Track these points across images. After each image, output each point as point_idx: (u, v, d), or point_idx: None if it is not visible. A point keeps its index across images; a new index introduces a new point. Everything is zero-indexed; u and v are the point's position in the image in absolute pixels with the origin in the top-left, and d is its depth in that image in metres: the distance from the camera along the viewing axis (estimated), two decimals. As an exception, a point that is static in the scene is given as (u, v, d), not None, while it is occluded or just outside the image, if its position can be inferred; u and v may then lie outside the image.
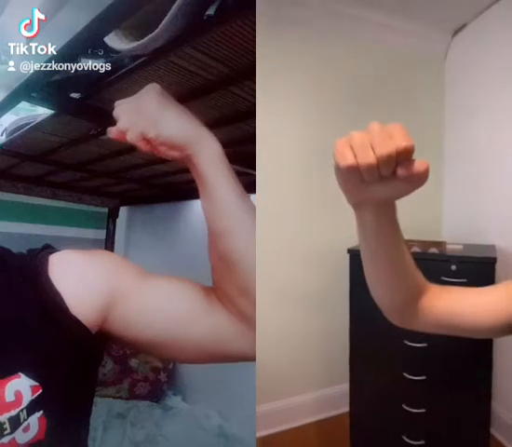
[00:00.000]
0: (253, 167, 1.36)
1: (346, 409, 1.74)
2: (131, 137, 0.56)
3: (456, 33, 1.88)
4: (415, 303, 0.65)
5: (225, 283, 0.57)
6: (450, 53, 1.95)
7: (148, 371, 2.18)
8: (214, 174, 0.57)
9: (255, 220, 0.58)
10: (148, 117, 0.55)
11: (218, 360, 0.60)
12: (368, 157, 0.44)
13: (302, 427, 1.90)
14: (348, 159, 0.45)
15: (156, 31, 0.66)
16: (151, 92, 0.58)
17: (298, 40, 1.73)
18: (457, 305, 0.67)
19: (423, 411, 1.52)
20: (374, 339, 1.55)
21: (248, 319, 0.56)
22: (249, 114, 1.00)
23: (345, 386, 1.73)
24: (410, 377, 1.52)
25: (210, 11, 0.65)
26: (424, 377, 1.50)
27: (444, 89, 2.02)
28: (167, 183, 1.94)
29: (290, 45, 1.72)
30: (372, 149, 0.44)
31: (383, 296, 0.65)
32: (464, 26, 1.83)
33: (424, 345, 1.46)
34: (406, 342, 1.48)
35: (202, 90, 0.89)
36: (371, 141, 0.44)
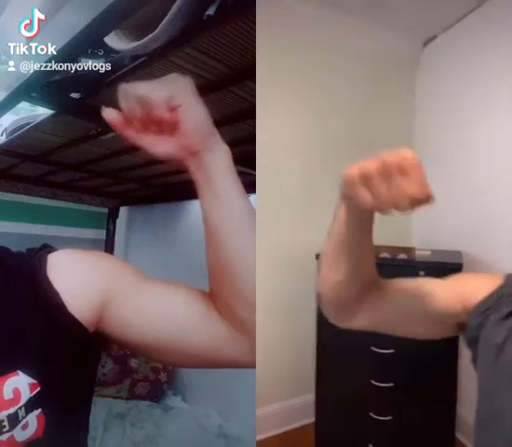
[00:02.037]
0: (253, 167, 1.36)
1: (311, 420, 1.70)
2: (157, 98, 0.49)
3: (427, 42, 1.95)
4: (370, 290, 0.67)
5: (224, 290, 0.56)
6: (421, 61, 2.01)
7: (148, 371, 2.18)
8: (224, 175, 0.55)
9: (255, 224, 0.57)
10: (179, 92, 0.51)
11: (213, 366, 0.59)
12: (385, 202, 0.47)
13: (265, 441, 1.80)
14: (368, 200, 0.48)
15: (156, 31, 0.66)
16: (178, 77, 0.54)
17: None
18: (416, 288, 0.69)
19: (389, 418, 1.50)
20: (341, 346, 1.52)
21: (245, 326, 0.55)
22: (249, 114, 1.00)
23: (310, 397, 1.68)
24: (378, 384, 1.49)
25: (210, 11, 0.65)
26: (391, 384, 1.49)
27: (415, 96, 2.05)
28: (167, 183, 1.94)
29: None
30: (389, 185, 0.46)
31: (340, 283, 0.64)
32: (434, 37, 1.91)
33: (392, 351, 1.45)
34: (373, 348, 1.47)
35: (202, 90, 0.89)
36: (387, 178, 0.46)
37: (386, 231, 1.67)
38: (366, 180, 0.47)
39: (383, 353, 1.46)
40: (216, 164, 0.55)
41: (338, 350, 1.56)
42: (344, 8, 1.69)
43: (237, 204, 0.56)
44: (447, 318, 0.67)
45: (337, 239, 0.61)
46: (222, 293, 0.56)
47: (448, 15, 1.74)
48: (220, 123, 1.08)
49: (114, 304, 0.57)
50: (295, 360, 1.89)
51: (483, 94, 1.67)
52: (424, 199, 0.46)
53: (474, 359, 0.66)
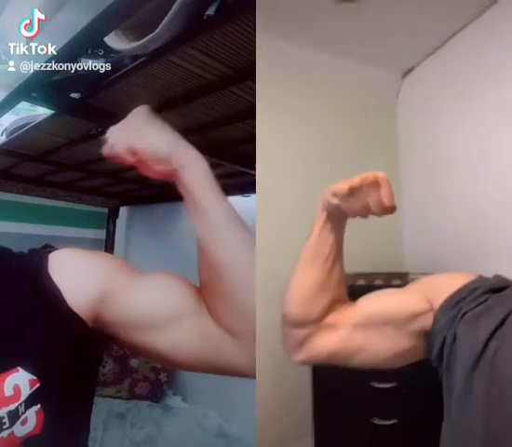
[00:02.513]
0: (253, 167, 1.36)
1: None
2: (119, 150, 0.59)
3: (406, 74, 2.01)
4: (335, 307, 0.67)
5: (217, 305, 0.56)
6: (401, 93, 2.05)
7: (148, 371, 2.18)
8: (202, 190, 0.58)
9: (246, 237, 0.57)
10: (135, 132, 0.60)
11: (209, 370, 0.59)
12: (364, 209, 0.61)
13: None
14: (353, 207, 0.62)
15: (156, 31, 0.66)
16: (139, 112, 0.63)
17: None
18: (378, 296, 0.70)
19: None
20: (339, 383, 1.40)
21: (236, 334, 0.54)
22: (249, 114, 1.00)
23: (308, 441, 1.57)
24: (381, 423, 1.40)
25: (210, 11, 0.65)
26: (395, 421, 1.39)
27: (397, 127, 2.07)
28: (167, 183, 1.93)
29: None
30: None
31: (309, 294, 0.66)
32: (412, 69, 1.97)
33: (393, 384, 1.37)
34: (373, 383, 1.39)
35: (202, 90, 0.89)
36: (366, 190, 0.60)
37: (378, 257, 1.66)
38: (352, 192, 0.60)
39: (383, 388, 1.38)
40: (192, 180, 0.58)
41: (335, 387, 1.45)
42: (321, 44, 1.73)
43: (219, 218, 0.57)
44: (412, 320, 0.63)
45: (310, 249, 0.68)
46: (217, 307, 0.56)
47: (424, 46, 1.81)
48: (220, 123, 1.09)
49: (109, 300, 0.57)
50: (291, 401, 1.74)
51: (463, 121, 1.71)
52: (392, 209, 0.60)
53: (448, 369, 0.60)
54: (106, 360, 2.16)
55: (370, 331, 0.66)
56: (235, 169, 1.41)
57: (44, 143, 1.36)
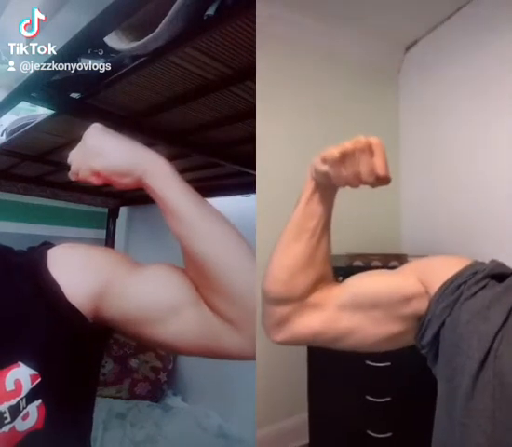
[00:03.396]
0: (253, 167, 1.36)
1: (306, 441, 1.60)
2: (83, 174, 0.61)
3: (408, 48, 1.97)
4: (320, 285, 0.63)
5: (211, 298, 0.56)
6: (403, 68, 2.02)
7: (148, 371, 2.18)
8: (169, 192, 0.58)
9: (238, 236, 0.57)
10: (92, 154, 0.60)
11: (208, 355, 0.59)
12: (355, 177, 0.56)
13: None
14: (344, 174, 0.56)
15: (156, 31, 0.66)
16: (91, 132, 0.63)
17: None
18: (370, 276, 0.66)
19: (389, 435, 1.40)
20: (334, 361, 1.38)
21: (231, 321, 0.54)
22: (249, 114, 1.00)
23: (304, 416, 1.60)
24: (374, 400, 1.41)
25: (210, 11, 0.66)
26: (388, 399, 1.40)
27: (399, 103, 2.06)
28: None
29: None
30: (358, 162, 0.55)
31: (292, 270, 0.62)
32: (415, 42, 1.93)
33: (388, 363, 1.38)
34: (368, 362, 1.39)
35: (202, 90, 0.89)
36: (359, 156, 0.55)
37: (376, 239, 1.64)
38: (343, 157, 0.55)
39: (378, 366, 1.38)
40: (157, 185, 0.59)
41: (331, 365, 1.44)
42: (324, 16, 1.71)
43: (193, 217, 0.57)
44: (404, 303, 0.60)
45: (296, 222, 0.64)
46: (212, 300, 0.56)
47: (428, 20, 1.78)
48: (220, 123, 1.09)
49: (111, 295, 0.58)
50: (286, 378, 1.74)
51: (465, 97, 1.70)
52: (385, 178, 0.54)
53: (448, 358, 0.57)
54: (106, 360, 2.16)
55: (357, 314, 0.62)
56: (235, 169, 1.41)
57: (44, 143, 1.36)
